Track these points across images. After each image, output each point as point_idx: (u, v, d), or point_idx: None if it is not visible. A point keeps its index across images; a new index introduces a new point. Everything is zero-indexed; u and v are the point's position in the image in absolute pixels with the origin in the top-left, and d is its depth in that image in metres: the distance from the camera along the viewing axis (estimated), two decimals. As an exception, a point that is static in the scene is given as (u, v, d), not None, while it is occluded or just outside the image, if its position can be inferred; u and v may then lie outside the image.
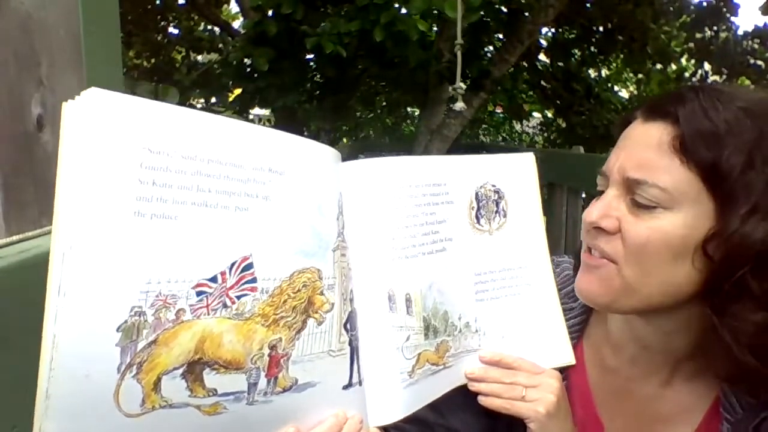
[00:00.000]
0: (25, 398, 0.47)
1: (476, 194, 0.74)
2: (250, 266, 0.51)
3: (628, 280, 0.64)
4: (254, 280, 0.52)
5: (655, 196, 0.61)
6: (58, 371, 0.43)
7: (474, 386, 0.71)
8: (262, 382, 0.53)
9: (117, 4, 0.74)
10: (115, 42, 0.73)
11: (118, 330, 0.45)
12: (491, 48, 4.95)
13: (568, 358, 0.76)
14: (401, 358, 0.65)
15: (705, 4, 5.08)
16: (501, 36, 4.72)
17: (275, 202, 0.54)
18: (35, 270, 0.48)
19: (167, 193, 0.47)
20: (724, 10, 4.89)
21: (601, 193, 0.67)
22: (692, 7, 5.15)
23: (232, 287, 0.51)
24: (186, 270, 0.48)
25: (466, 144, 5.27)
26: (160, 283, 0.47)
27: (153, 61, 5.62)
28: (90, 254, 0.44)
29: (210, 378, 0.50)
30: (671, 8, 5.15)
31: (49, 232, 0.56)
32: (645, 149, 0.62)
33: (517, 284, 0.76)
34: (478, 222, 0.74)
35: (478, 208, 0.74)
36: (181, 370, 0.48)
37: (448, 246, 0.71)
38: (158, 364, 0.47)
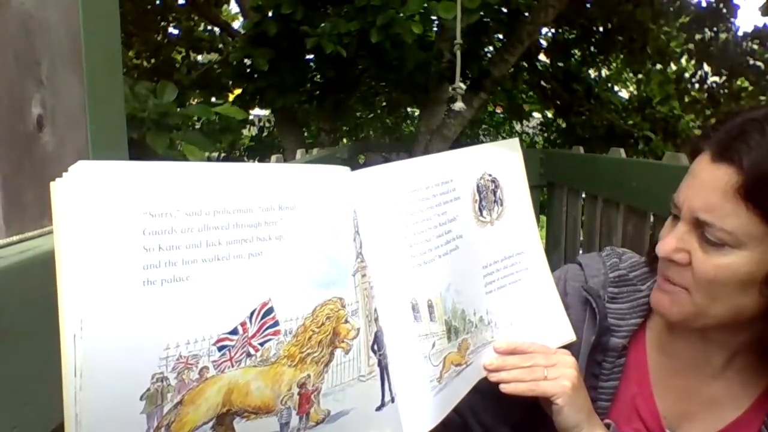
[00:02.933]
0: (26, 398, 0.46)
1: (477, 186, 0.73)
2: (270, 311, 0.50)
3: (698, 305, 0.69)
4: (276, 324, 0.51)
5: (721, 237, 0.64)
6: None
7: (494, 376, 0.72)
8: (294, 420, 0.52)
9: (117, 4, 0.74)
10: (115, 42, 0.73)
11: (141, 399, 0.44)
12: (491, 48, 4.95)
13: (569, 335, 0.79)
14: (429, 366, 0.65)
15: (705, 4, 5.08)
16: (501, 36, 4.72)
17: (289, 240, 0.52)
18: (35, 270, 0.48)
19: (175, 255, 0.45)
20: (724, 11, 4.88)
21: (674, 217, 0.71)
22: (692, 8, 5.15)
23: (254, 335, 0.49)
24: (204, 328, 0.47)
25: (466, 144, 5.27)
26: (179, 347, 0.45)
27: (153, 61, 5.62)
28: (101, 333, 0.42)
29: (241, 425, 0.49)
30: (671, 9, 5.14)
31: (50, 233, 0.56)
32: (712, 192, 0.65)
33: (518, 270, 0.77)
34: (482, 214, 0.74)
35: (480, 200, 0.74)
36: (210, 424, 0.48)
37: (460, 243, 0.70)
38: (187, 423, 0.46)
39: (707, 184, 0.66)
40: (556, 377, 0.71)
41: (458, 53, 2.45)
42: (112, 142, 0.70)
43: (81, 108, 0.64)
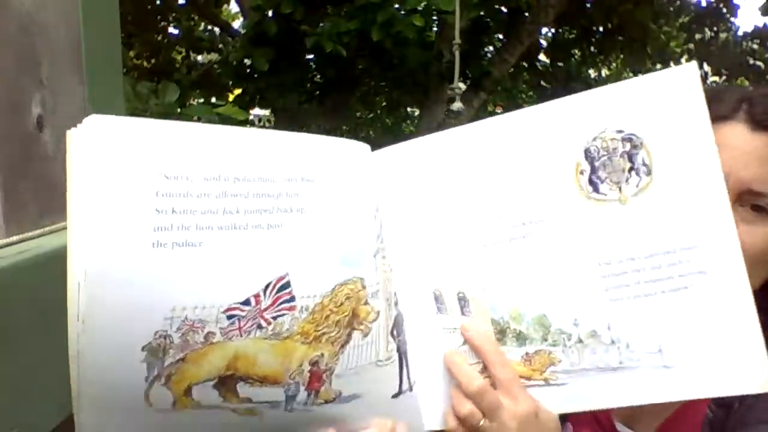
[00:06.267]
0: (25, 398, 0.46)
1: (586, 151, 0.55)
2: (286, 285, 0.48)
3: None
4: (292, 299, 0.49)
5: None
6: (85, 377, 0.43)
7: None
8: (302, 395, 0.51)
9: (117, 4, 0.74)
10: (115, 42, 0.73)
11: (142, 350, 0.44)
12: (491, 48, 4.95)
13: (763, 381, 0.53)
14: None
15: (705, 4, 5.08)
16: (501, 36, 4.72)
17: (311, 214, 0.49)
18: (35, 270, 0.48)
19: (189, 220, 0.44)
20: (724, 10, 4.89)
21: None
22: (692, 8, 5.15)
23: (267, 309, 0.48)
24: (215, 296, 0.45)
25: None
26: (186, 310, 0.44)
27: (153, 61, 5.62)
28: (104, 286, 0.42)
29: (244, 389, 0.48)
30: (671, 8, 5.14)
31: (50, 233, 0.56)
32: (762, 162, 0.63)
33: (682, 273, 0.54)
34: (596, 189, 0.55)
35: (594, 169, 0.55)
36: (212, 382, 0.47)
37: (536, 230, 0.55)
38: (187, 377, 0.46)
39: (755, 155, 0.64)
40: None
41: (457, 53, 2.45)
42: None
43: (81, 108, 0.64)
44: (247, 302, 0.47)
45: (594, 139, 0.54)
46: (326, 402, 0.52)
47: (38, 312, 0.48)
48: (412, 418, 0.57)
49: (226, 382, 0.48)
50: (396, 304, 0.57)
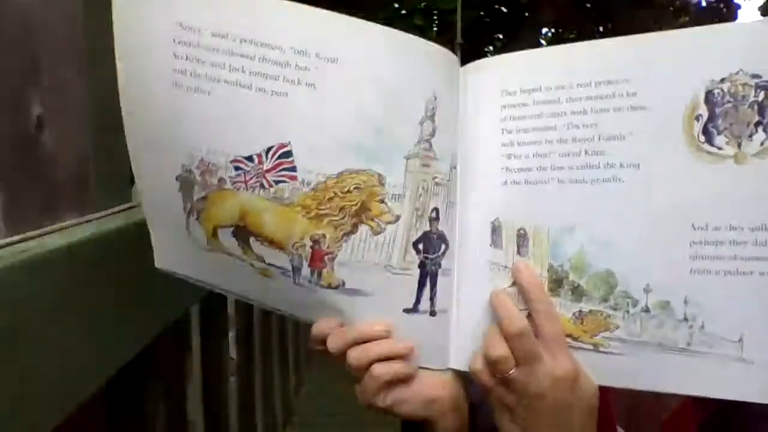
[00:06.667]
0: (23, 400, 0.46)
1: (708, 93, 0.46)
2: (288, 154, 0.50)
3: None
4: (293, 169, 0.50)
5: None
6: (146, 195, 0.53)
7: None
8: (306, 270, 0.52)
9: (117, 3, 0.73)
10: (116, 42, 0.73)
11: (176, 179, 0.51)
12: (491, 48, 4.95)
13: None
14: None
15: (705, 4, 5.09)
16: (501, 36, 4.73)
17: (323, 92, 0.49)
18: (35, 270, 0.48)
19: (200, 69, 0.48)
20: (724, 10, 4.89)
21: None
22: (692, 8, 5.16)
23: (269, 171, 0.50)
24: (223, 143, 0.50)
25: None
26: (201, 151, 0.50)
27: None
28: (143, 117, 0.50)
29: (256, 246, 0.52)
30: (671, 8, 5.15)
31: (50, 232, 0.56)
32: None
33: None
34: (709, 140, 0.46)
35: (712, 117, 0.46)
36: (231, 229, 0.52)
37: (626, 175, 0.48)
38: (211, 217, 0.52)
39: None
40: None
41: (458, 53, 2.46)
42: (112, 143, 0.70)
43: (81, 108, 0.64)
44: (250, 158, 0.50)
45: (722, 81, 0.45)
46: (330, 287, 0.52)
47: (38, 312, 0.48)
48: (427, 345, 0.55)
49: (241, 233, 0.52)
50: (432, 220, 0.53)
